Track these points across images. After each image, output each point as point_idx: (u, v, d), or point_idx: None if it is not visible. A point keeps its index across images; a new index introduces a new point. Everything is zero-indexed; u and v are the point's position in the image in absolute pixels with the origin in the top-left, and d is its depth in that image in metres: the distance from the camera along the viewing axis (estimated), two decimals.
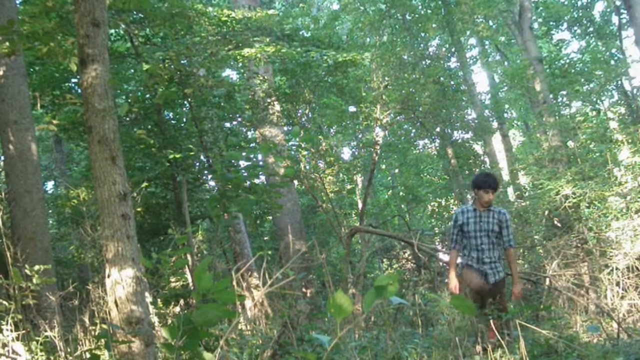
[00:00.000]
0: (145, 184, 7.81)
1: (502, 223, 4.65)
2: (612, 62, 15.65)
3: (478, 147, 15.41)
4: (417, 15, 14.76)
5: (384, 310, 5.20)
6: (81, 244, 7.59)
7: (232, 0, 12.22)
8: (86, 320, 4.56)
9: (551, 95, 13.13)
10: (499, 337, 3.85)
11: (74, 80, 8.57)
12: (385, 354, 4.09)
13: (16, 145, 5.86)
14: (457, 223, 4.72)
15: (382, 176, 20.36)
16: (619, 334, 4.76)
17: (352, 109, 12.13)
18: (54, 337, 4.11)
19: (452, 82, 14.02)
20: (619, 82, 14.98)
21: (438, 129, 13.75)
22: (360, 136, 13.63)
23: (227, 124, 9.94)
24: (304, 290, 9.05)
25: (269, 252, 9.75)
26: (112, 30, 8.80)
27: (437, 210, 15.69)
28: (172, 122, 9.46)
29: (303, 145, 9.25)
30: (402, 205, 17.01)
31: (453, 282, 4.62)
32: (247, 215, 10.05)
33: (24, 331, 4.07)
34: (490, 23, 15.95)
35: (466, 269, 4.68)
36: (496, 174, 5.04)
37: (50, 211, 10.68)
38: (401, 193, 17.30)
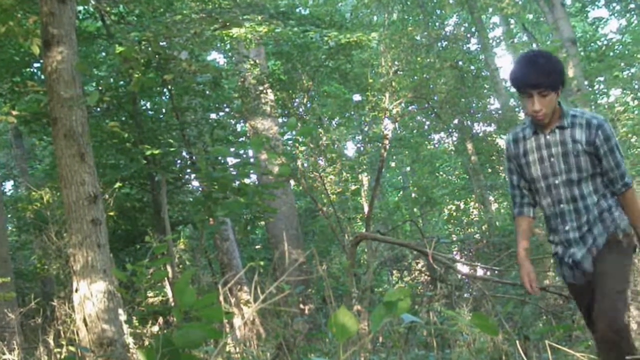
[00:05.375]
0: (118, 184, 7.81)
1: (595, 145, 2.81)
2: None
3: (502, 142, 15.44)
4: None
5: (394, 329, 5.20)
6: (44, 253, 7.59)
7: None
8: (50, 341, 4.56)
9: (586, 82, 13.12)
10: None
11: (36, 64, 8.56)
12: None
13: None
14: (510, 163, 3.05)
15: (391, 175, 20.38)
16: None
17: (356, 97, 12.13)
18: None
19: (472, 67, 14.01)
20: None
21: (456, 121, 13.76)
22: (366, 129, 13.64)
23: (213, 115, 9.94)
24: (301, 306, 9.06)
25: (262, 263, 9.75)
26: (80, 7, 8.79)
27: (454, 214, 15.70)
28: (150, 113, 9.46)
29: (300, 140, 9.24)
30: (415, 209, 17.02)
31: (524, 269, 3.00)
32: (236, 220, 10.04)
33: None
34: None
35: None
36: (549, 56, 2.97)
37: (9, 215, 10.68)
38: (413, 195, 17.30)
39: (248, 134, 10.85)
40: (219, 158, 8.09)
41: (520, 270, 3.06)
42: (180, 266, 8.85)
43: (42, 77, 8.12)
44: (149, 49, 7.32)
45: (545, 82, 2.76)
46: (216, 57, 17.47)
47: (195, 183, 9.48)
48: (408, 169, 19.40)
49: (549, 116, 2.82)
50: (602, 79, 13.81)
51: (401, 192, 19.58)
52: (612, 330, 2.64)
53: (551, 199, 2.92)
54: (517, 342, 4.22)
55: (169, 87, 8.30)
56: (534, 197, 3.03)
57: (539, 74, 2.77)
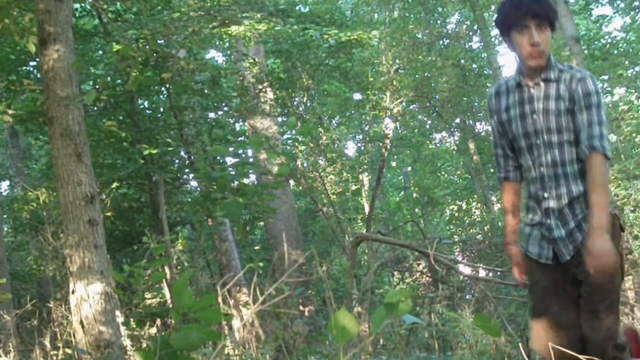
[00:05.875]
0: (116, 184, 7.81)
1: (573, 100, 2.50)
2: None
3: None
4: None
5: (395, 331, 5.20)
6: (41, 254, 7.59)
7: None
8: (47, 343, 4.57)
9: None
10: None
11: (32, 63, 8.56)
12: None
13: None
14: (492, 119, 2.76)
15: (392, 175, 20.38)
16: None
17: (357, 96, 12.13)
18: None
19: (474, 65, 14.02)
20: None
21: (458, 120, 13.76)
22: (367, 128, 13.64)
23: (212, 114, 9.94)
24: (301, 308, 9.06)
25: (261, 264, 9.75)
26: (77, 5, 8.79)
27: (456, 215, 15.70)
28: (147, 112, 9.46)
29: (300, 139, 9.25)
30: (416, 209, 17.02)
31: (515, 258, 2.77)
32: (234, 220, 10.05)
33: None
34: None
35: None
36: None
37: (4, 216, 10.68)
38: (415, 195, 17.30)
39: (247, 133, 10.85)
40: (218, 158, 8.09)
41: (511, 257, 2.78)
42: (179, 267, 8.84)
43: (39, 75, 8.13)
44: (147, 47, 7.31)
45: (542, 11, 2.49)
46: (215, 55, 17.49)
47: (194, 183, 9.50)
48: (409, 168, 19.40)
49: (545, 58, 2.52)
50: (606, 77, 13.80)
51: (402, 192, 19.59)
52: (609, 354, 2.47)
53: (532, 160, 2.60)
54: (520, 344, 4.22)
55: (167, 85, 8.30)
56: (518, 158, 2.71)
57: (534, 0, 2.50)
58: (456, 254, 10.32)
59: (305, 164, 10.16)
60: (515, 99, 2.62)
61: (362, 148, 13.82)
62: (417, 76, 10.35)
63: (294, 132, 8.36)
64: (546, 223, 2.57)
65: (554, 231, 2.55)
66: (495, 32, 18.44)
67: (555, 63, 2.57)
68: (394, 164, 19.09)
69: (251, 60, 9.70)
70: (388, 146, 10.61)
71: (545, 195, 2.56)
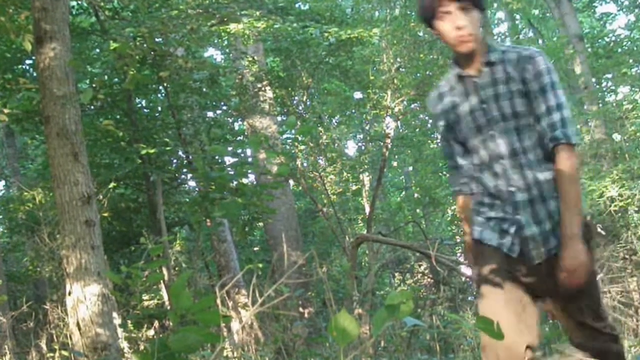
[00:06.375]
0: (113, 184, 7.81)
1: (525, 81, 2.30)
2: None
3: None
4: None
5: (396, 333, 5.20)
6: (37, 255, 7.59)
7: None
8: (43, 345, 4.56)
9: (594, 79, 13.14)
10: None
11: (28, 61, 8.56)
12: None
13: None
14: (440, 122, 2.49)
15: (393, 175, 20.37)
16: None
17: (357, 95, 12.12)
18: None
19: None
20: None
21: None
22: (367, 128, 13.63)
23: (210, 114, 9.95)
24: (301, 310, 9.06)
25: (260, 265, 9.74)
26: (74, 3, 8.79)
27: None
28: (145, 111, 9.47)
29: (300, 139, 9.25)
30: (418, 210, 17.01)
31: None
32: (233, 221, 10.05)
33: None
34: None
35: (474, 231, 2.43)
36: None
37: (0, 216, 10.68)
38: (416, 195, 17.29)
39: (246, 133, 10.85)
40: (216, 157, 8.09)
41: (471, 262, 2.50)
42: (177, 268, 8.84)
43: (35, 74, 8.12)
44: (144, 45, 7.32)
45: None
46: (213, 53, 17.50)
47: (192, 183, 9.50)
48: (410, 168, 19.39)
49: (477, 41, 2.28)
50: (610, 76, 13.81)
51: (403, 193, 19.58)
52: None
53: (489, 156, 2.34)
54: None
55: (165, 84, 8.30)
56: (473, 158, 2.41)
57: None
58: (458, 255, 10.32)
59: (305, 164, 10.16)
60: (459, 93, 2.39)
61: (363, 147, 13.80)
62: (418, 75, 10.34)
63: (293, 131, 8.35)
64: (514, 219, 2.30)
65: (525, 229, 2.28)
66: (497, 30, 18.48)
67: (496, 45, 2.38)
68: (395, 163, 19.09)
69: (250, 59, 9.70)
70: (389, 146, 10.61)
71: (512, 189, 2.29)
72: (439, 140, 2.26)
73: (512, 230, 2.29)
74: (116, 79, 8.45)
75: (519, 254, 2.28)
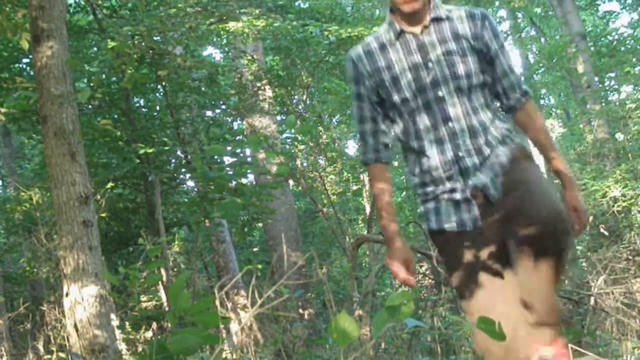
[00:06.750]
0: (111, 184, 7.81)
1: (483, 40, 2.23)
2: None
3: None
4: None
5: (397, 335, 5.20)
6: (34, 256, 7.59)
7: None
8: (40, 347, 4.57)
9: (597, 78, 13.13)
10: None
11: (25, 60, 8.56)
12: None
13: None
14: (360, 86, 2.31)
15: (394, 175, 20.34)
16: None
17: None
18: None
19: None
20: None
21: None
22: None
23: (209, 113, 9.94)
24: (300, 311, 9.06)
25: (259, 266, 9.74)
26: (71, 1, 8.80)
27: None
28: (143, 110, 9.46)
29: (300, 138, 9.25)
30: (418, 210, 17.03)
31: (399, 253, 2.28)
32: (232, 221, 10.05)
33: None
34: None
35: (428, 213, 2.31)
36: None
37: None
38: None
39: (245, 132, 10.84)
40: (215, 157, 8.09)
41: (390, 254, 2.29)
42: (175, 269, 8.85)
43: (32, 73, 8.12)
44: (143, 43, 7.32)
45: None
46: (212, 52, 17.49)
47: (191, 183, 9.49)
48: None
49: (422, 1, 2.19)
50: (613, 74, 13.82)
51: (404, 193, 19.57)
52: (556, 216, 2.05)
53: (433, 119, 2.20)
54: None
55: (163, 83, 8.30)
56: (405, 125, 2.28)
57: None
58: None
59: (305, 164, 10.16)
60: (400, 51, 2.24)
61: None
62: None
63: (293, 130, 8.36)
64: (467, 182, 2.19)
65: (481, 179, 2.17)
66: (499, 28, 18.47)
67: (439, 3, 2.28)
68: (395, 163, 19.09)
69: (249, 57, 9.69)
70: None
71: (461, 154, 2.18)
72: (354, 103, 2.29)
73: (467, 193, 2.19)
74: (114, 78, 8.45)
75: (471, 213, 2.19)
